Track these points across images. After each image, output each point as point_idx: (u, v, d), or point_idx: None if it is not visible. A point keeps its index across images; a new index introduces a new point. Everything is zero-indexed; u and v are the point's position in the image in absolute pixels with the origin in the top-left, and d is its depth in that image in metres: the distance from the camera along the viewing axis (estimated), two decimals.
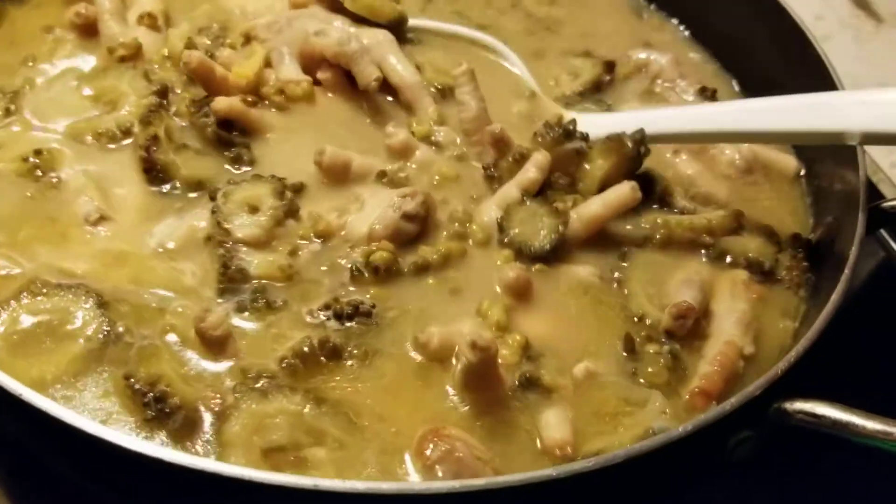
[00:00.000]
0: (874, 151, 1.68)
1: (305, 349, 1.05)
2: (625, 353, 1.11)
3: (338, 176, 1.23)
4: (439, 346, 1.06)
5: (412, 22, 1.51)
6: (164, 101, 1.39)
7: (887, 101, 1.10)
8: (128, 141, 1.32)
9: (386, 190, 1.22)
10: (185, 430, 0.99)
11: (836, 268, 1.16)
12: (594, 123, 1.34)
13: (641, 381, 1.08)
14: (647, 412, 1.04)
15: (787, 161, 1.41)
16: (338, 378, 1.06)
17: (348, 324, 1.08)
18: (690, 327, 1.12)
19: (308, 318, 1.10)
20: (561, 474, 0.87)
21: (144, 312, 1.14)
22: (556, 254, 1.21)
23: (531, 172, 1.22)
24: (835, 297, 1.09)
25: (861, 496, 1.22)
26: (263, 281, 1.13)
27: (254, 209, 1.19)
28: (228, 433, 0.98)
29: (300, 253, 1.18)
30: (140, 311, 1.14)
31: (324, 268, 1.17)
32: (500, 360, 1.05)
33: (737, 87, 1.65)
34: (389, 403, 1.07)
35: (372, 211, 1.18)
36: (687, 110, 1.36)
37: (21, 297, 1.07)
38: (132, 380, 1.00)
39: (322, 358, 1.06)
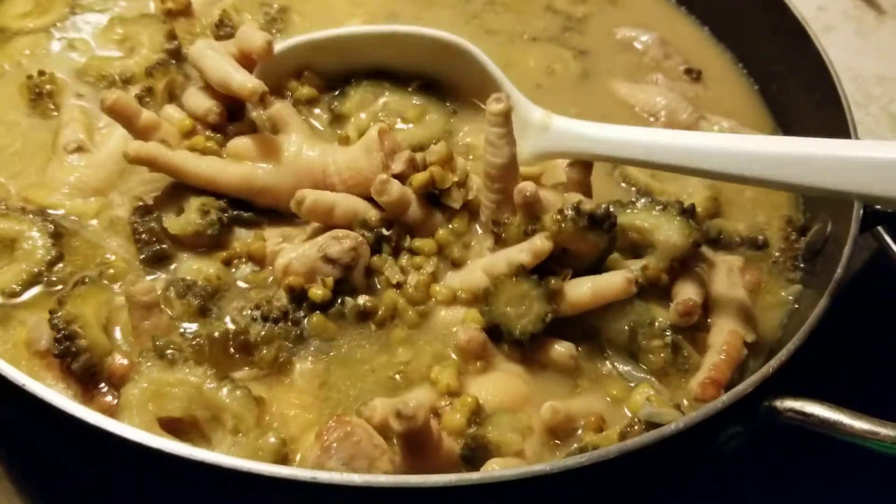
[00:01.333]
0: None
1: (216, 334, 1.02)
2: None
3: (322, 218, 1.16)
4: (382, 421, 0.98)
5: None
6: (175, 61, 1.40)
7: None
8: (130, 88, 1.34)
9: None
10: (88, 378, 1.00)
11: (829, 265, 1.16)
12: (568, 130, 1.23)
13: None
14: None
15: None
16: (244, 371, 1.05)
17: (274, 326, 1.05)
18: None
19: (234, 314, 1.09)
20: (554, 469, 0.87)
21: (93, 251, 1.17)
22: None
23: (524, 256, 1.10)
24: (825, 298, 1.08)
25: (853, 493, 1.22)
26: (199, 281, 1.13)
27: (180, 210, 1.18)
28: (126, 395, 0.98)
29: (234, 268, 1.16)
30: (90, 248, 1.16)
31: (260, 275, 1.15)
32: (443, 427, 0.99)
33: (735, 64, 1.63)
34: (293, 408, 1.04)
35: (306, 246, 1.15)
36: (675, 137, 1.16)
37: None
38: (53, 314, 1.03)
39: (231, 348, 1.03)
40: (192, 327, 1.10)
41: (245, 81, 1.19)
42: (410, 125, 1.36)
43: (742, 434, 1.03)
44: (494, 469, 0.95)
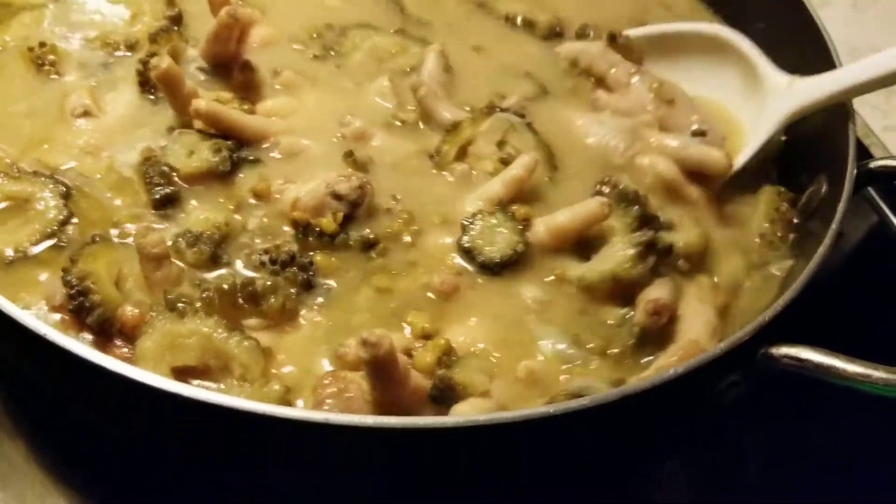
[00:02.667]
0: (867, 114, 1.68)
1: (226, 286, 1.05)
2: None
3: None
4: (356, 358, 1.01)
5: None
6: (177, 28, 1.43)
7: None
8: (134, 55, 1.39)
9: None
10: (102, 332, 1.04)
11: (824, 223, 1.16)
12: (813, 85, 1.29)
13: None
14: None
15: (716, 157, 1.28)
16: (253, 321, 1.07)
17: (283, 270, 1.09)
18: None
19: (244, 260, 1.12)
20: (557, 412, 0.89)
21: (102, 210, 1.19)
22: (509, 266, 1.15)
23: (497, 186, 1.18)
24: (822, 248, 1.09)
25: (851, 438, 1.24)
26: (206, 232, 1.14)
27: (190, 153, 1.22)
28: (142, 347, 1.01)
29: (242, 211, 1.19)
30: (100, 207, 1.19)
31: (266, 220, 1.17)
32: (412, 364, 1.02)
33: None
34: (298, 357, 1.07)
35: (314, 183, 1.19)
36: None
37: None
38: (66, 272, 1.06)
39: (240, 299, 1.06)
40: (203, 276, 1.12)
41: None
42: None
43: (740, 383, 1.06)
44: (460, 412, 0.97)
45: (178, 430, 1.01)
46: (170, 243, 1.13)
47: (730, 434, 1.19)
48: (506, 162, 1.26)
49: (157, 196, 1.19)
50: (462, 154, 1.29)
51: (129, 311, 1.06)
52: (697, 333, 1.12)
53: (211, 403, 0.88)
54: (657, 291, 1.13)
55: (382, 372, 0.97)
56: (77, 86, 1.36)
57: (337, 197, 1.17)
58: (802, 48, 1.45)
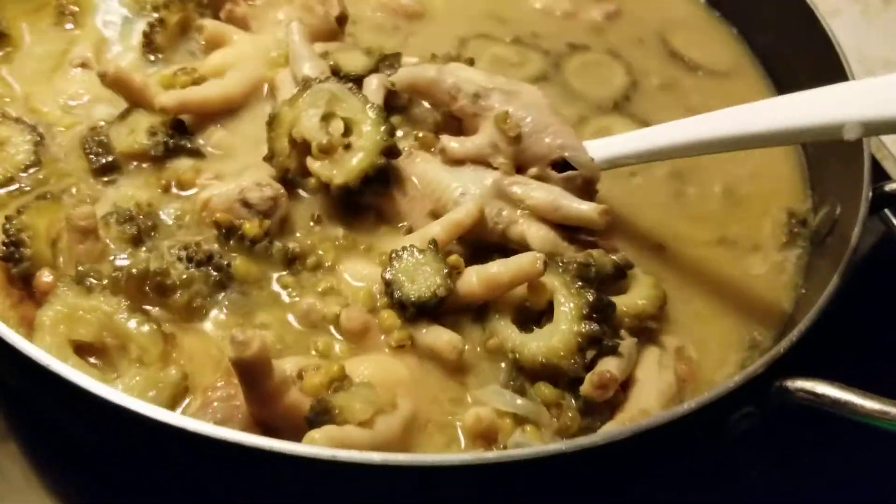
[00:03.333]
0: None
1: (134, 271, 1.01)
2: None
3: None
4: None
5: None
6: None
7: (887, 86, 1.01)
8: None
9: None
10: (23, 285, 1.05)
11: (837, 248, 1.13)
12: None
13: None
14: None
15: (590, 217, 1.14)
16: (156, 310, 1.04)
17: (196, 269, 1.06)
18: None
19: (163, 251, 1.09)
20: (570, 449, 0.86)
21: (59, 168, 1.20)
22: (433, 312, 1.05)
23: (437, 229, 1.10)
24: (835, 278, 1.06)
25: (864, 473, 1.23)
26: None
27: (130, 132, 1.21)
28: (41, 317, 0.98)
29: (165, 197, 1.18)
30: (56, 164, 1.20)
31: (179, 213, 1.16)
32: (301, 385, 0.95)
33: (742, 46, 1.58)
34: (195, 354, 1.02)
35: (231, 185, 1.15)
36: (672, 125, 1.19)
37: None
38: (8, 220, 1.06)
39: (147, 287, 1.03)
40: (122, 257, 1.08)
41: None
42: None
43: (753, 414, 1.03)
44: (314, 438, 0.87)
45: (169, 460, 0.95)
46: (101, 215, 1.08)
47: (741, 466, 1.16)
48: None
49: (96, 166, 1.17)
50: (295, 145, 1.13)
51: (44, 277, 1.02)
52: (648, 403, 1.02)
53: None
54: (608, 361, 1.02)
55: (250, 376, 0.88)
56: (85, 37, 1.38)
57: (246, 205, 1.11)
58: (814, 58, 1.42)
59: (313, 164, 1.08)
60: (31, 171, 1.17)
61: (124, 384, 0.92)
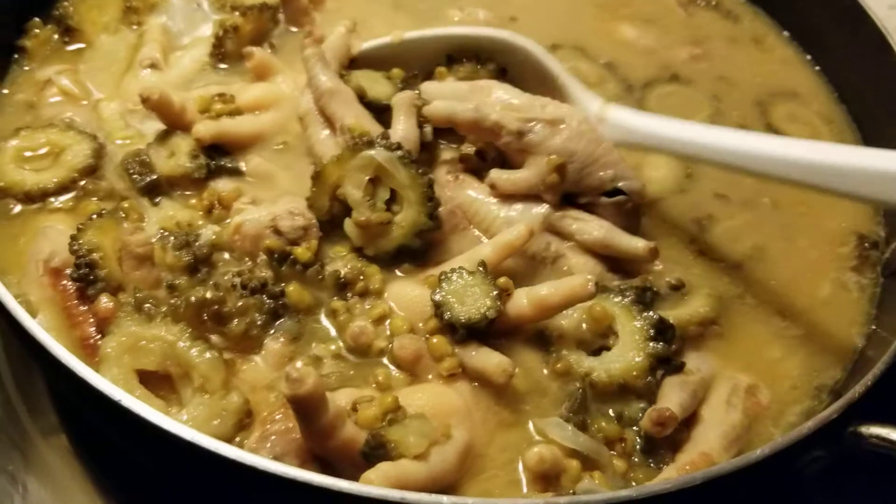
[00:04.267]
0: None
1: (193, 299, 1.01)
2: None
3: None
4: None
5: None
6: (274, 11, 1.43)
7: None
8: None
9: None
10: (83, 297, 1.05)
11: None
12: (623, 123, 1.24)
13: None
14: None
15: (638, 253, 1.16)
16: (214, 339, 1.04)
17: (251, 296, 1.06)
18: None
19: (218, 278, 1.09)
20: (641, 495, 0.86)
21: (112, 183, 1.20)
22: (483, 334, 1.05)
23: (488, 250, 1.10)
24: None
25: None
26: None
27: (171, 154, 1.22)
28: (105, 347, 0.99)
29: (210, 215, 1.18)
30: (115, 178, 1.20)
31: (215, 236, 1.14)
32: (356, 418, 0.95)
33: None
34: (256, 384, 1.02)
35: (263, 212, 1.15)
36: (731, 138, 1.16)
37: (48, 127, 1.24)
38: (74, 240, 1.06)
39: (205, 315, 1.03)
40: (174, 280, 1.07)
41: None
42: None
43: (824, 458, 1.03)
44: (370, 479, 0.88)
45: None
46: (157, 239, 1.09)
47: None
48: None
49: (141, 185, 1.17)
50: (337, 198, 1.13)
51: (103, 303, 1.02)
52: (710, 446, 1.01)
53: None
54: (670, 398, 1.01)
55: (306, 412, 0.88)
56: (152, 38, 1.39)
57: (277, 232, 1.11)
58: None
59: (351, 229, 1.10)
60: (86, 180, 1.19)
61: (189, 414, 0.93)
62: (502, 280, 1.03)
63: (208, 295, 1.01)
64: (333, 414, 0.88)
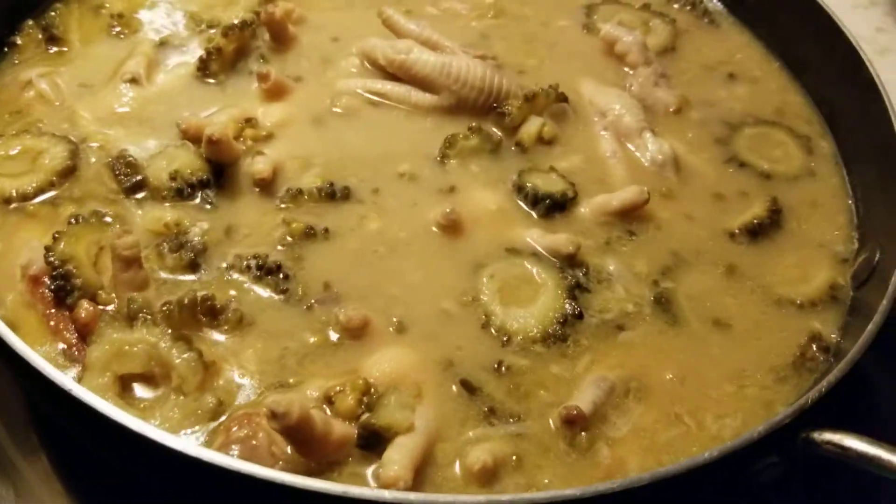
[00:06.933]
0: None
1: (186, 301, 1.04)
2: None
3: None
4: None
5: None
6: (253, 27, 1.42)
7: None
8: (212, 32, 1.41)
9: None
10: (61, 305, 1.06)
11: (874, 296, 1.10)
12: None
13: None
14: None
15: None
16: (209, 335, 1.07)
17: (264, 277, 1.11)
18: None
19: (221, 272, 1.11)
20: (585, 494, 0.87)
21: (90, 184, 1.21)
22: (557, 211, 1.22)
23: (634, 196, 1.25)
24: (869, 328, 1.04)
25: None
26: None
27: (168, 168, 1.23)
28: (90, 357, 1.00)
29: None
30: (88, 181, 1.21)
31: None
32: (335, 411, 1.00)
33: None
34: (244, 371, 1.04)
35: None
36: None
37: (22, 132, 1.25)
38: (48, 250, 1.08)
39: (200, 314, 1.06)
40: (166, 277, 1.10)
41: None
42: None
43: (778, 465, 1.02)
44: (392, 458, 0.93)
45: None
46: (151, 247, 1.11)
47: None
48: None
49: (128, 185, 1.19)
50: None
51: (83, 312, 1.04)
52: None
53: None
54: (585, 395, 1.06)
55: (300, 436, 0.91)
56: (141, 52, 1.39)
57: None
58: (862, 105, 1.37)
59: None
60: (66, 180, 1.21)
61: (163, 416, 0.97)
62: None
63: (200, 294, 1.05)
64: (321, 425, 0.92)
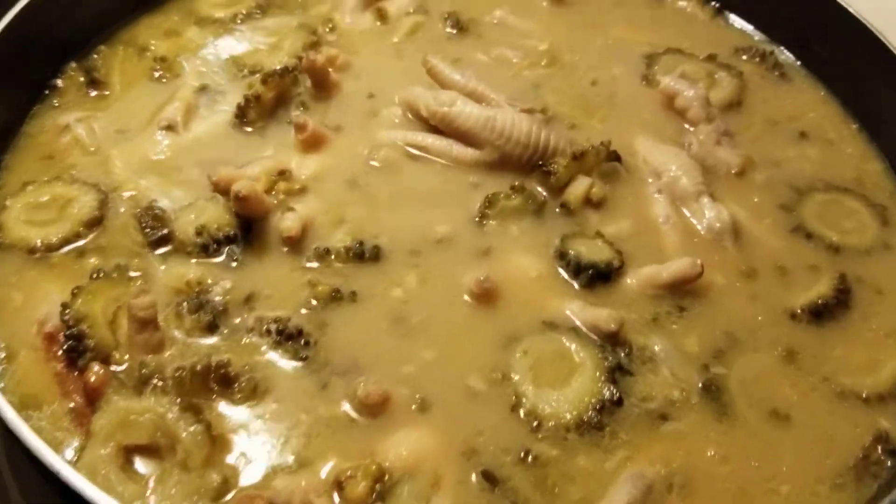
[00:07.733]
0: None
1: (199, 368, 1.01)
2: None
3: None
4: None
5: None
6: (295, 74, 1.38)
7: None
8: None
9: None
10: (72, 366, 1.03)
11: None
12: None
13: None
14: None
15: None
16: (219, 405, 1.03)
17: (284, 342, 1.07)
18: None
19: (242, 334, 1.08)
20: None
21: (128, 241, 1.18)
22: (601, 281, 1.14)
23: (685, 268, 1.17)
24: None
25: None
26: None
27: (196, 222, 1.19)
28: (96, 426, 0.97)
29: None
30: (127, 235, 1.18)
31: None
32: (344, 497, 0.95)
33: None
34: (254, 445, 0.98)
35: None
36: None
37: (55, 179, 1.24)
38: (65, 308, 1.05)
39: (213, 382, 1.02)
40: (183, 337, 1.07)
41: None
42: None
43: None
44: None
45: None
46: (170, 307, 1.08)
47: None
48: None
49: (153, 238, 1.16)
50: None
51: (92, 376, 1.01)
52: None
53: None
54: (620, 495, 0.99)
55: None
56: (180, 98, 1.36)
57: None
58: None
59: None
60: (92, 231, 1.19)
61: (164, 493, 0.93)
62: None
63: (214, 361, 1.01)
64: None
